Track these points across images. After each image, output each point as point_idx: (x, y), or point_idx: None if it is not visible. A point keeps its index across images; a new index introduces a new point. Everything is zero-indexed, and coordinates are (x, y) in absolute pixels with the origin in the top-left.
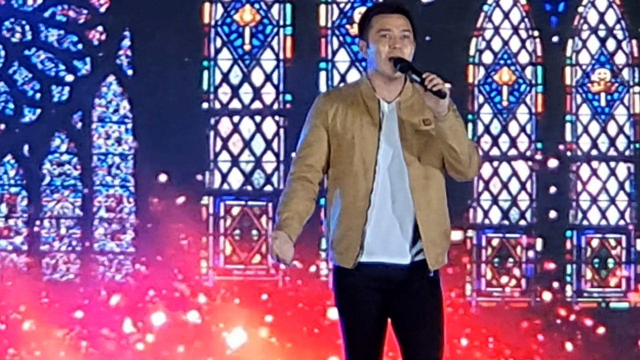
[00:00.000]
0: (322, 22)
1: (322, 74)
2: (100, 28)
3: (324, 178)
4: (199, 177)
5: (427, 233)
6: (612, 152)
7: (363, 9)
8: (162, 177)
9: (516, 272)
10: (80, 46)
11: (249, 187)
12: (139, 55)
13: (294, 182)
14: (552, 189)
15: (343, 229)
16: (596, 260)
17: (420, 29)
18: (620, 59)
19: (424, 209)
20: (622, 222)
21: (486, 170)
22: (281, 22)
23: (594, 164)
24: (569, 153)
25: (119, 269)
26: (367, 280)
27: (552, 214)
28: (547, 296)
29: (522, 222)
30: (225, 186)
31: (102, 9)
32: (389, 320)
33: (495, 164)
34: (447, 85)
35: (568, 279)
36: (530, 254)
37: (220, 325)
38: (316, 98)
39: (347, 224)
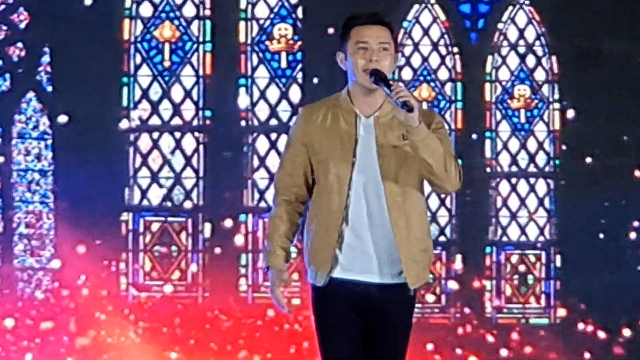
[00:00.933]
0: (241, 39)
1: (242, 90)
2: (19, 44)
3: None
4: (119, 193)
5: (406, 251)
6: (531, 169)
7: (283, 25)
8: (83, 193)
9: (437, 288)
10: None
11: (169, 203)
12: (59, 71)
13: (279, 208)
14: (472, 205)
15: (317, 245)
16: (516, 276)
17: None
18: (540, 75)
19: (401, 226)
20: (541, 238)
21: None
22: (201, 39)
23: (514, 180)
24: (488, 169)
25: (39, 284)
26: (344, 299)
27: (472, 230)
28: (467, 312)
29: (442, 239)
30: (145, 202)
31: (22, 25)
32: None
33: None
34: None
35: (488, 295)
36: (451, 270)
37: (136, 340)
38: (298, 112)
39: (321, 240)
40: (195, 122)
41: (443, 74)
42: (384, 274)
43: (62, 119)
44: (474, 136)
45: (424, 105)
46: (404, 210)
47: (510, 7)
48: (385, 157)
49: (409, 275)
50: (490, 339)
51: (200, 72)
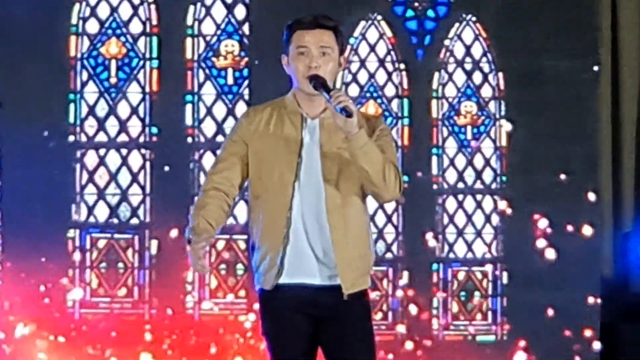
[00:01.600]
0: (188, 55)
1: (188, 107)
2: None
3: (239, 197)
4: (65, 210)
5: (341, 255)
6: (478, 185)
7: (230, 42)
8: (29, 210)
9: (383, 305)
10: None
11: (115, 220)
12: (5, 88)
13: (207, 192)
14: (419, 222)
15: (263, 249)
16: (463, 293)
17: None
18: (486, 92)
19: (339, 229)
20: (488, 255)
21: None
22: (147, 55)
23: (460, 196)
24: (435, 186)
25: None
26: (291, 303)
27: (419, 247)
28: (414, 329)
29: (389, 255)
30: (92, 219)
31: None
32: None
33: None
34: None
35: (435, 312)
36: (398, 287)
37: (84, 357)
38: (241, 115)
39: (267, 244)
40: (141, 139)
41: (390, 91)
42: (324, 276)
43: (8, 135)
44: (421, 152)
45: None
46: (342, 213)
47: (457, 24)
48: (328, 160)
49: (343, 279)
50: (437, 356)
51: (147, 89)
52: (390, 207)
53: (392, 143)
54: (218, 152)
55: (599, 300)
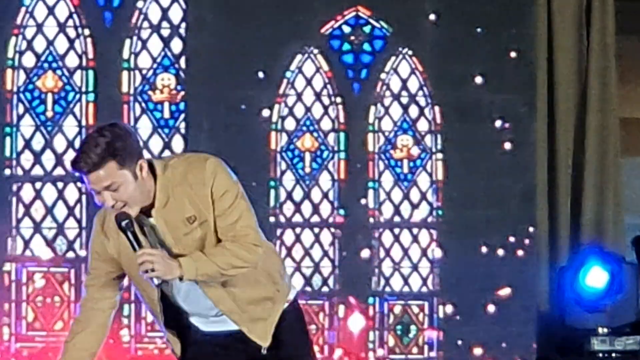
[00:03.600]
0: (124, 89)
1: None
2: None
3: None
4: (1, 243)
5: (241, 319)
6: (414, 219)
7: (166, 75)
8: None
9: (319, 339)
10: None
11: (51, 254)
12: None
13: (82, 309)
14: (355, 256)
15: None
16: (399, 326)
17: None
18: (422, 125)
19: (228, 303)
20: (424, 289)
21: (289, 237)
22: (83, 89)
23: (397, 230)
24: (371, 219)
25: None
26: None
27: (355, 280)
28: None
29: (325, 289)
30: (28, 252)
31: None
32: None
33: (298, 230)
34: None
35: (370, 345)
36: (334, 320)
37: None
38: (94, 220)
39: (172, 335)
40: (77, 173)
41: (326, 124)
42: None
43: None
44: (358, 186)
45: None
46: (222, 287)
47: (393, 58)
48: (181, 246)
49: (254, 337)
50: None
51: (83, 122)
52: (326, 240)
53: (226, 197)
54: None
55: (534, 334)
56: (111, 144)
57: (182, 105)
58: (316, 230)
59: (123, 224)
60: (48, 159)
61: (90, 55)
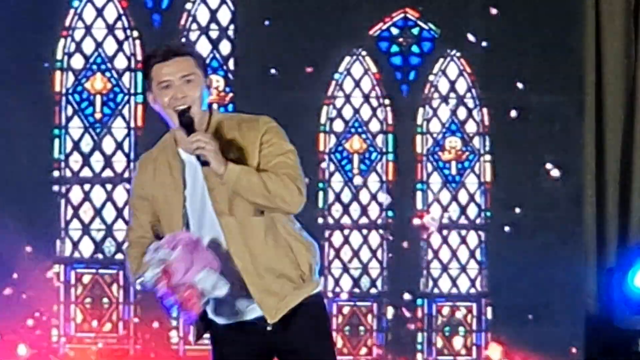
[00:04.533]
0: None
1: None
2: None
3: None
4: (50, 245)
5: (255, 286)
6: (463, 220)
7: (215, 77)
8: (13, 245)
9: (368, 340)
10: None
11: (100, 256)
12: None
13: (130, 248)
14: (403, 257)
15: None
16: (447, 328)
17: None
18: (471, 127)
19: (245, 259)
20: (472, 290)
21: (337, 238)
22: (132, 90)
23: (445, 231)
24: (419, 221)
25: None
26: (236, 345)
27: (403, 282)
28: None
29: (373, 290)
30: (76, 254)
31: None
32: None
33: (347, 232)
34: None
35: (419, 347)
36: (382, 322)
37: None
38: (136, 165)
39: None
40: (126, 174)
41: (374, 126)
42: (248, 312)
43: None
44: (406, 188)
45: None
46: (244, 241)
47: (442, 59)
48: (215, 191)
49: (264, 309)
50: None
51: (132, 124)
52: (374, 242)
53: (279, 144)
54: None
55: (582, 336)
56: (195, 51)
57: (230, 107)
58: (364, 231)
59: (185, 113)
60: (97, 160)
61: (139, 57)
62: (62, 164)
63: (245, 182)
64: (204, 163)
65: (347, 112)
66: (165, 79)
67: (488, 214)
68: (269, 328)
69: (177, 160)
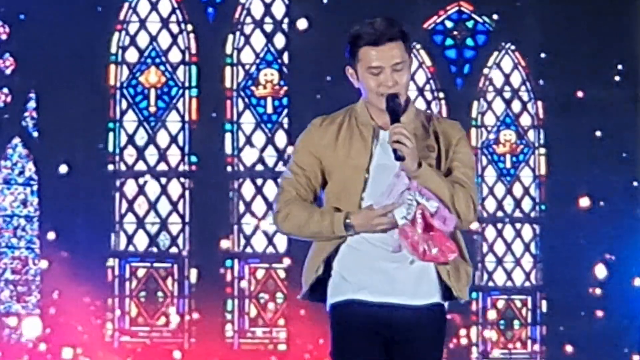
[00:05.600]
0: (227, 84)
1: (228, 136)
2: (5, 90)
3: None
4: (105, 238)
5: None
6: (517, 214)
7: (269, 71)
8: (68, 239)
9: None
10: None
11: (155, 249)
12: (45, 117)
13: (291, 204)
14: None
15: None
16: (502, 321)
17: None
18: (525, 120)
19: None
20: (527, 284)
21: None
22: (186, 84)
23: (500, 225)
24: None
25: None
26: (364, 324)
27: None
28: (453, 358)
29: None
30: (131, 248)
31: (8, 71)
32: None
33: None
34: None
35: (474, 340)
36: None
37: None
38: (310, 123)
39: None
40: (180, 168)
41: None
42: (413, 294)
43: (48, 164)
44: None
45: None
46: None
47: (496, 53)
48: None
49: (451, 281)
50: None
51: (186, 118)
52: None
53: (469, 155)
54: (291, 157)
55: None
56: (404, 29)
57: (285, 101)
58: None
59: (394, 99)
60: (151, 154)
61: (193, 51)
62: (117, 158)
63: (434, 187)
64: (399, 158)
65: None
66: (376, 65)
67: (543, 207)
68: (462, 301)
69: (369, 131)
